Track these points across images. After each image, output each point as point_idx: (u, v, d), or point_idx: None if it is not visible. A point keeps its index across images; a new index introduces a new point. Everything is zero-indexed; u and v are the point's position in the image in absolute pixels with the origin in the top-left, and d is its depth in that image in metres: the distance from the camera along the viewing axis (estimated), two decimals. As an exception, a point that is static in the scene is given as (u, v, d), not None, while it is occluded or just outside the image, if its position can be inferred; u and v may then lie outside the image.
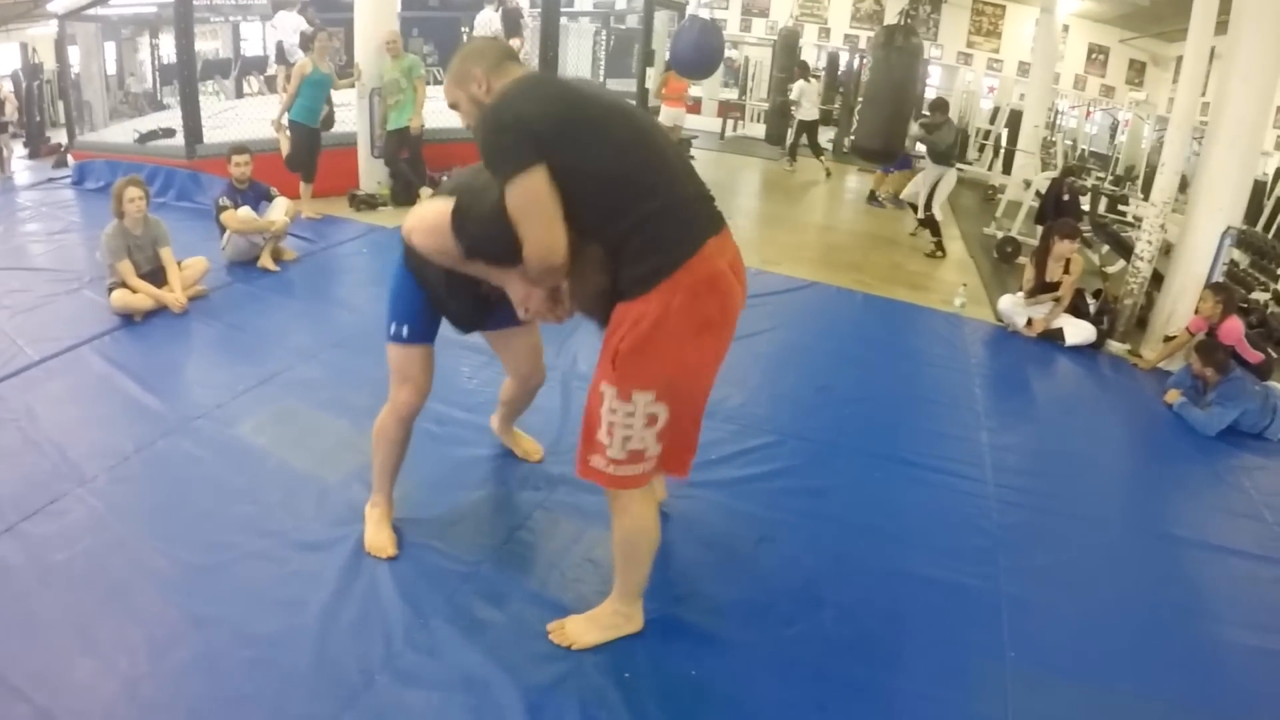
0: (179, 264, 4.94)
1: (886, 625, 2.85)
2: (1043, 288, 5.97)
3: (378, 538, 2.94)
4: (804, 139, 11.80)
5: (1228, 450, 4.52)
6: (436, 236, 2.29)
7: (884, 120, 7.68)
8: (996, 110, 13.83)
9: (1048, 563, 3.32)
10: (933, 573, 3.14)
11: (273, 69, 12.46)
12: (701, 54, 9.46)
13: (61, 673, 2.35)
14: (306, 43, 6.97)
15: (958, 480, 3.87)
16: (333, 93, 7.32)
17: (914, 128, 7.98)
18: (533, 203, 1.98)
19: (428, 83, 8.10)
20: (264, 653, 2.46)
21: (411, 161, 7.72)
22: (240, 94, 13.10)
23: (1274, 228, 8.83)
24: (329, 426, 3.62)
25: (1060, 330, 5.87)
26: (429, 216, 2.31)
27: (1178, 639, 2.97)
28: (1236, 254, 6.42)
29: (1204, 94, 6.85)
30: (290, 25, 11.45)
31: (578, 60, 12.33)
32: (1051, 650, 2.81)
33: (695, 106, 15.13)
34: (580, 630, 2.57)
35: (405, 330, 2.75)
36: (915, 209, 8.39)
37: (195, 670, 2.40)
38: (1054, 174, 8.90)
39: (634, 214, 2.02)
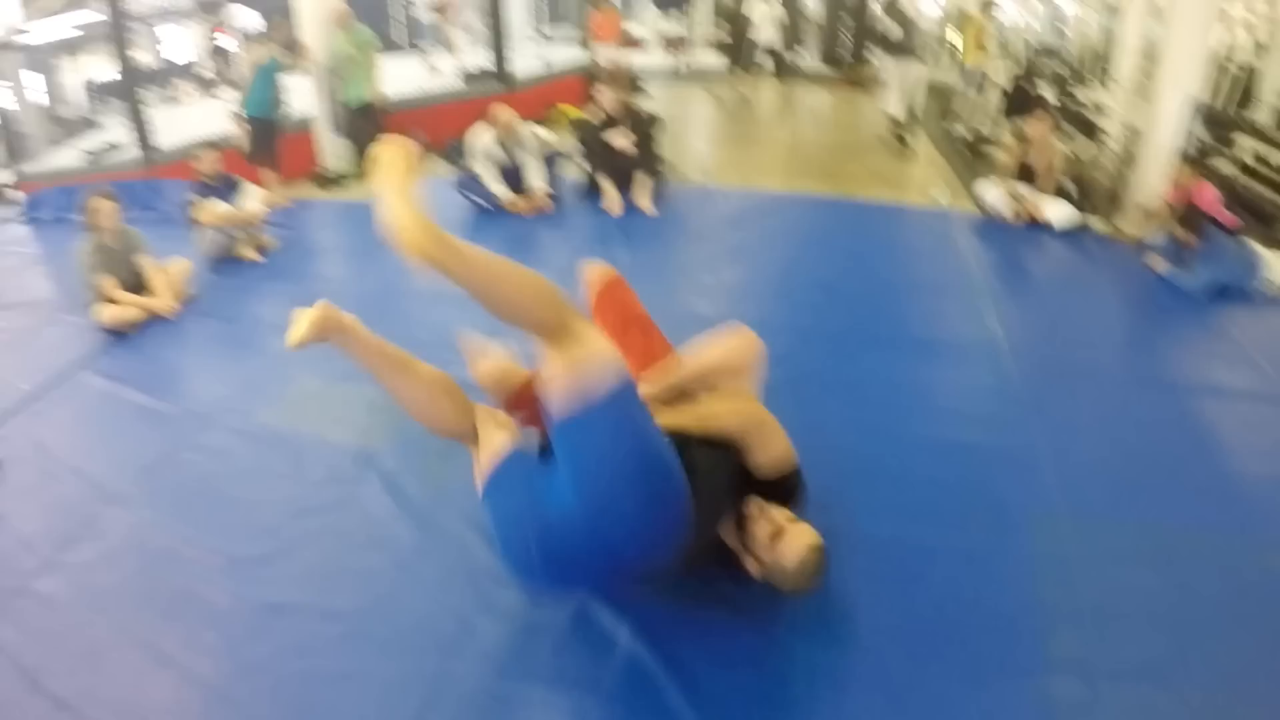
0: (162, 268, 4.79)
1: (941, 490, 3.05)
2: (1024, 173, 6.09)
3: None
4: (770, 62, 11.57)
5: (1216, 308, 4.71)
6: None
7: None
8: (945, 12, 13.66)
9: (1074, 418, 3.55)
10: (972, 438, 3.37)
11: (208, 72, 12.17)
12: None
13: (143, 694, 2.28)
14: (266, 35, 6.78)
15: (977, 354, 4.09)
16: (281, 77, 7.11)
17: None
18: None
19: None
20: (354, 626, 2.42)
21: (375, 133, 7.52)
22: (172, 100, 12.74)
23: (1233, 100, 8.87)
24: (355, 396, 3.53)
25: (1044, 214, 5.95)
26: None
27: (1199, 473, 3.21)
28: (1198, 128, 6.50)
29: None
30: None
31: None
32: (1091, 493, 3.05)
33: (637, 44, 14.77)
34: None
35: None
36: (894, 119, 8.44)
37: (285, 657, 2.35)
38: (1016, 70, 8.92)
39: None
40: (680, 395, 2.49)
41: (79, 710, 2.23)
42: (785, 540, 2.31)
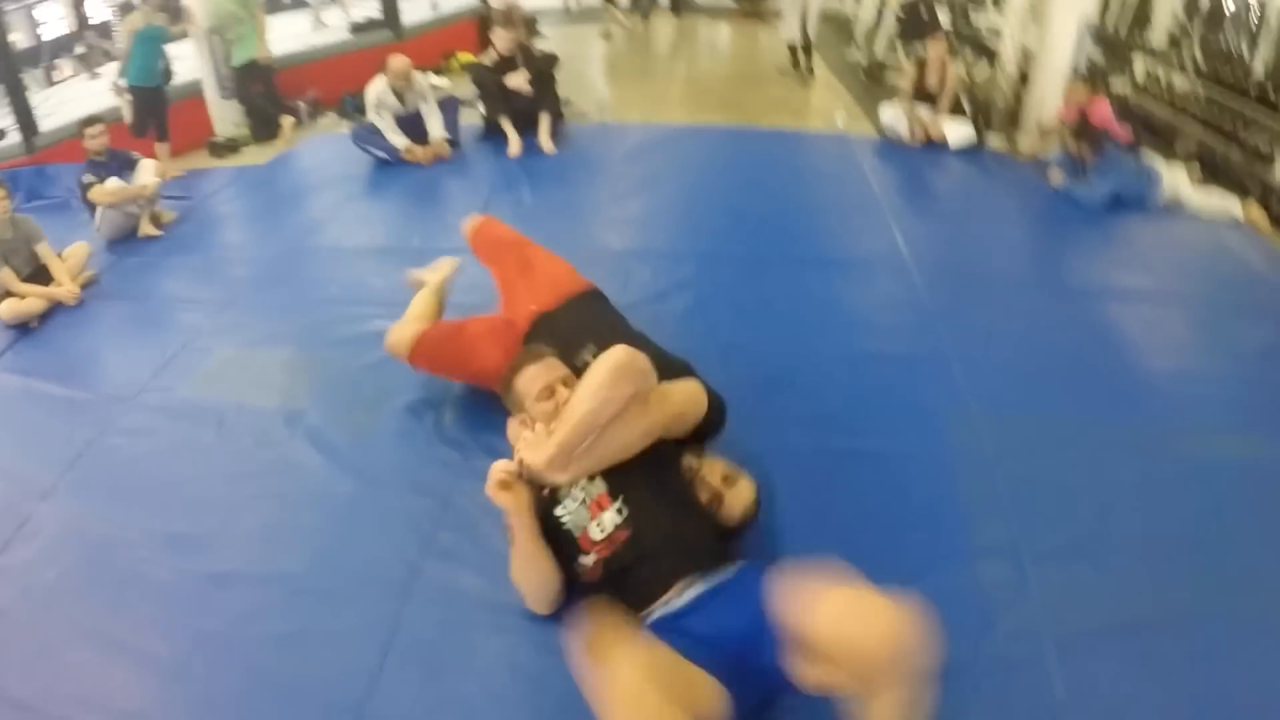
0: (59, 254, 4.63)
1: (858, 398, 3.20)
2: (922, 95, 6.21)
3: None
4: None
5: (1113, 219, 4.91)
6: None
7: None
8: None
9: (981, 324, 3.72)
10: (884, 348, 3.53)
11: (83, 48, 11.59)
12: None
13: (101, 684, 2.26)
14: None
15: (883, 268, 4.23)
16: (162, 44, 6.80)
17: None
18: None
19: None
20: (301, 585, 2.45)
21: (266, 94, 7.29)
22: (51, 82, 12.14)
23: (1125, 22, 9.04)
24: (271, 359, 3.56)
25: (943, 134, 6.08)
26: None
27: (1103, 369, 3.42)
28: (1090, 48, 6.69)
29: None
30: None
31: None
32: (1003, 393, 3.23)
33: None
34: None
35: None
36: (793, 48, 8.48)
37: (237, 625, 2.37)
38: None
39: None
40: (576, 448, 2.21)
41: (39, 710, 2.21)
42: (725, 504, 2.37)
